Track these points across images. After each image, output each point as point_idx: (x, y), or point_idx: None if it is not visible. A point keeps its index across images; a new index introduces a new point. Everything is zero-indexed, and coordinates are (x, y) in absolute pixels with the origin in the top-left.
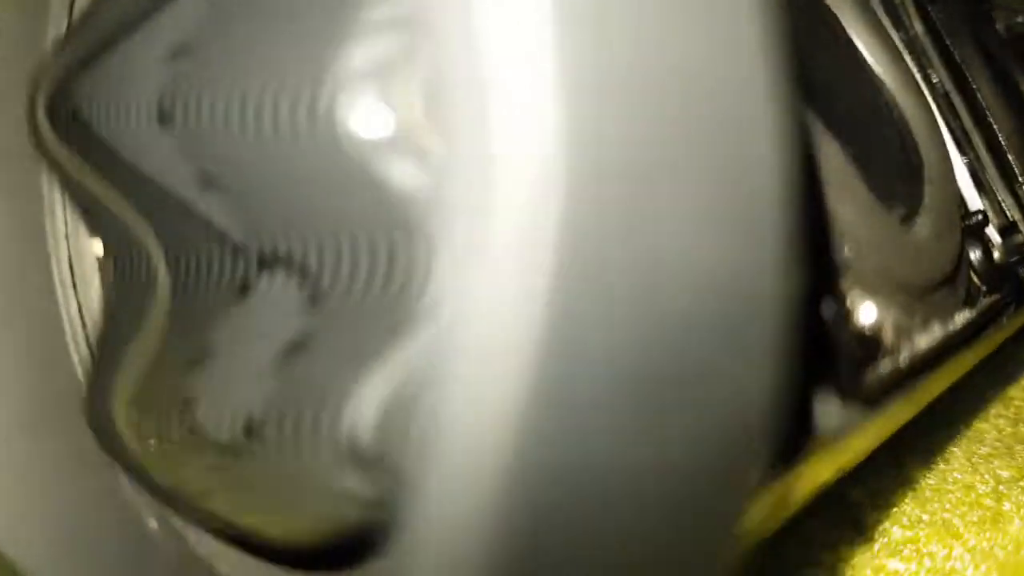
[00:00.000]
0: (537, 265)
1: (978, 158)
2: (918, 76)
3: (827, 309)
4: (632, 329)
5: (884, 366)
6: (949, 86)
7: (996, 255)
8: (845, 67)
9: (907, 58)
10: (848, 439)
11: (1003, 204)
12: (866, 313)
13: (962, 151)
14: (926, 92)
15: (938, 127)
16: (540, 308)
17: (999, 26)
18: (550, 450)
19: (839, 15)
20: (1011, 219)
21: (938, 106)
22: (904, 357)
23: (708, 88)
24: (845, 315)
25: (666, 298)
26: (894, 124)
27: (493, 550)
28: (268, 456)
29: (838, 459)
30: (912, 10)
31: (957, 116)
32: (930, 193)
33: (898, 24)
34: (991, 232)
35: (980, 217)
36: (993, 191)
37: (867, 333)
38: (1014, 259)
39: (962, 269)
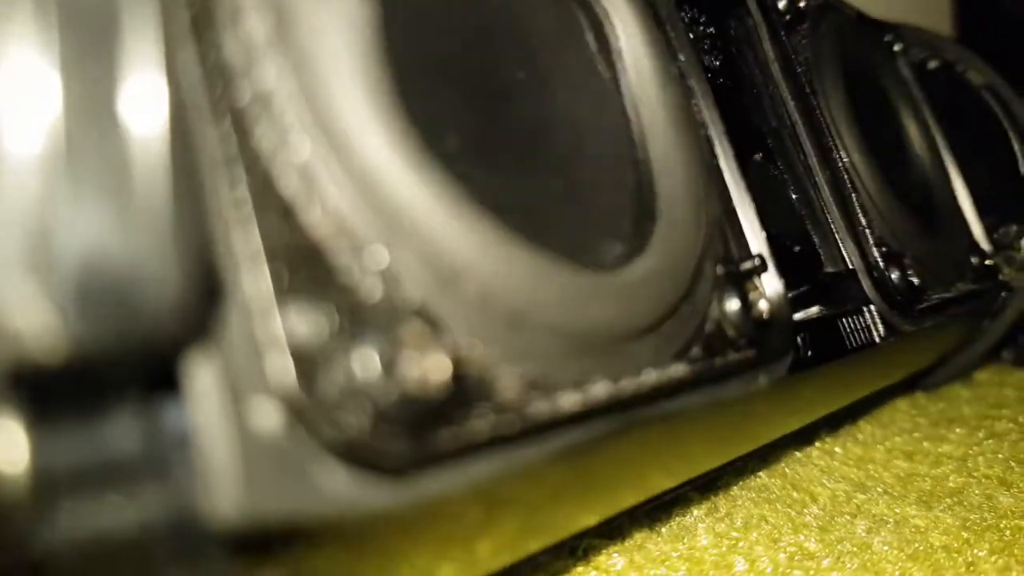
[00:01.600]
0: None
1: (820, 197)
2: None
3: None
4: None
5: (466, 431)
6: (796, 117)
7: (765, 307)
8: (593, 88)
9: (695, 84)
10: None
11: (843, 249)
12: (432, 363)
13: (798, 188)
14: (707, 124)
15: (699, 167)
16: None
17: (903, 62)
18: None
19: (619, 29)
20: (851, 267)
21: (778, 137)
22: (515, 418)
23: None
24: (390, 364)
25: None
26: (635, 158)
27: None
28: None
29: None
30: (763, 33)
31: (802, 150)
32: (660, 234)
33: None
34: (766, 281)
35: (756, 263)
36: (833, 234)
37: (422, 388)
38: (802, 313)
39: (682, 319)
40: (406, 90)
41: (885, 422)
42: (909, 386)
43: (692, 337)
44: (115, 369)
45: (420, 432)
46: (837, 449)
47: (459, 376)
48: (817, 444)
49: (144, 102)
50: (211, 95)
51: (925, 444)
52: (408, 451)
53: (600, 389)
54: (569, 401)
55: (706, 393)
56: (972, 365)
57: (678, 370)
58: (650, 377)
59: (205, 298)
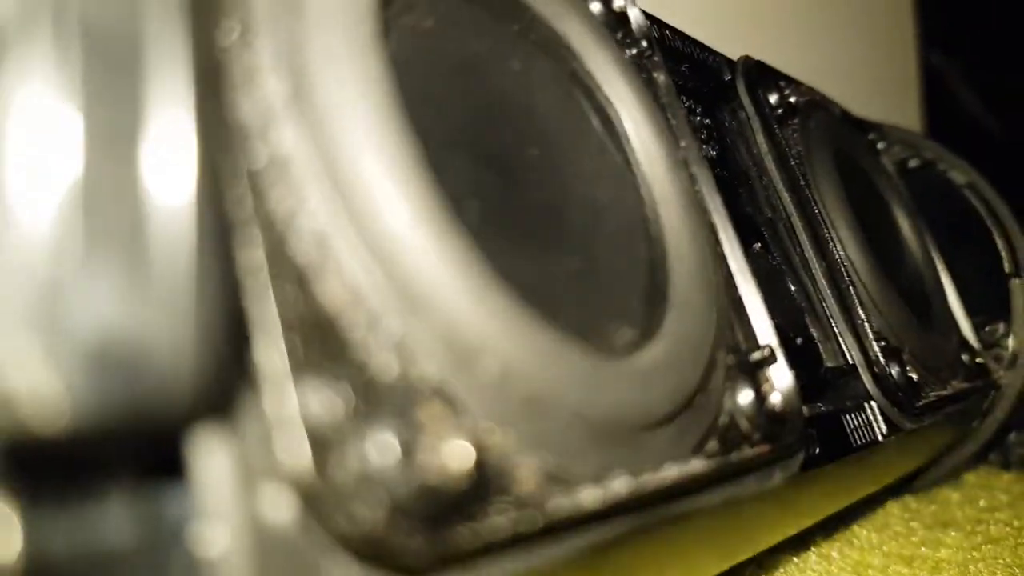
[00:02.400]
0: None
1: (817, 289)
2: (757, 194)
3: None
4: None
5: (482, 529)
6: (791, 209)
7: (778, 399)
8: (606, 167)
9: (697, 170)
10: None
11: (843, 343)
12: (453, 450)
13: (795, 280)
14: (711, 210)
15: (709, 251)
16: None
17: (886, 159)
18: None
19: (623, 114)
20: (851, 362)
21: (773, 228)
22: (535, 514)
23: None
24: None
25: None
26: (647, 240)
27: None
28: None
29: None
30: (756, 126)
31: (798, 242)
32: (672, 319)
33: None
34: (776, 372)
35: (767, 353)
36: (832, 327)
37: (443, 478)
38: (813, 407)
39: (698, 410)
40: (424, 162)
41: (879, 525)
42: (898, 488)
43: (708, 430)
44: (117, 447)
45: (438, 527)
46: (834, 554)
47: (479, 465)
48: (813, 549)
49: (171, 158)
50: (226, 155)
51: (923, 549)
52: (426, 548)
53: (621, 484)
54: (589, 496)
55: (723, 490)
56: (962, 466)
57: (697, 465)
58: (671, 472)
59: (218, 372)
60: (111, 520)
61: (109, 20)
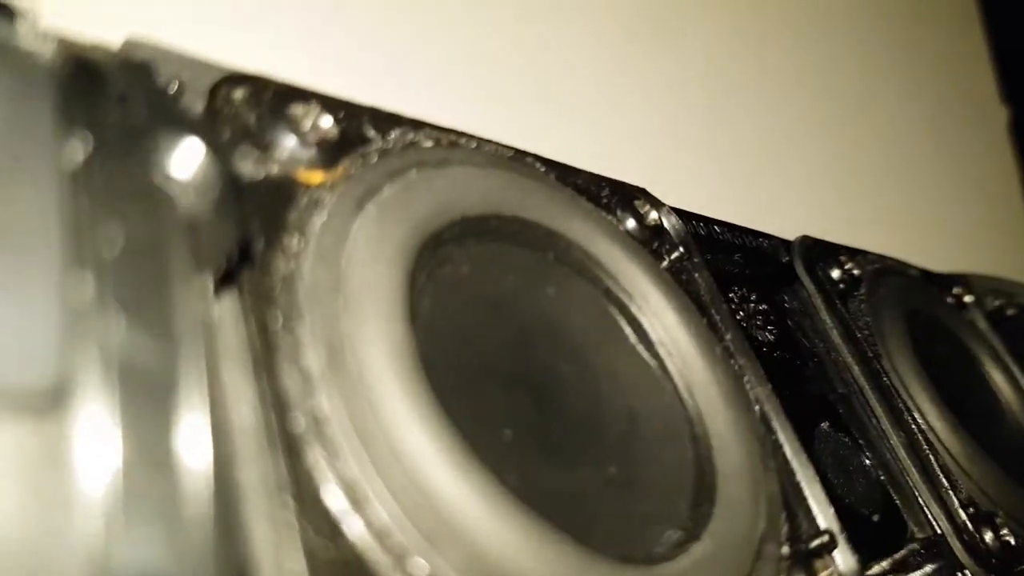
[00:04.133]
0: None
1: (897, 461)
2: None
3: None
4: None
5: None
6: (862, 382)
7: None
8: (642, 376)
9: (744, 361)
10: None
11: (929, 513)
12: None
13: (873, 454)
14: (761, 399)
15: (756, 444)
16: None
17: (978, 313)
18: None
19: (655, 321)
20: (939, 531)
21: (847, 404)
22: None
23: None
24: None
25: None
26: (689, 437)
27: None
28: None
29: None
30: (818, 303)
31: (872, 414)
32: (719, 515)
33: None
34: (839, 556)
35: (825, 539)
36: (916, 498)
37: None
38: None
39: None
40: (452, 398)
41: None
42: None
43: None
44: None
45: None
46: None
47: None
48: None
49: (192, 448)
50: (267, 424)
51: None
52: None
53: None
54: None
55: None
56: None
57: None
58: None
59: None
60: None
61: (142, 363)
